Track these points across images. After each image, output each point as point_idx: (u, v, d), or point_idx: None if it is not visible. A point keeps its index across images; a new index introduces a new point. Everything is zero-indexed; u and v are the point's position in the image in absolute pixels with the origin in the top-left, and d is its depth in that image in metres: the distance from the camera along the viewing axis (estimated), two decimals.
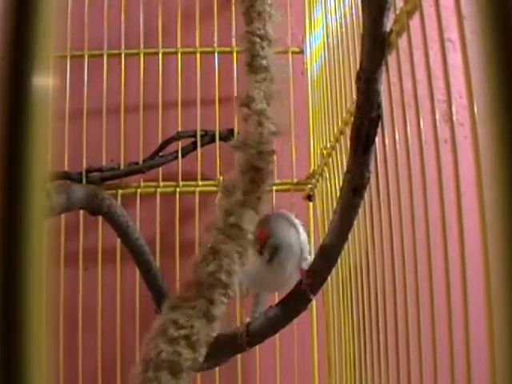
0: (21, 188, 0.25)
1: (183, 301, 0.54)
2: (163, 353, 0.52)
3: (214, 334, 0.54)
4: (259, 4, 0.66)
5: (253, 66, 0.62)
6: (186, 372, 0.52)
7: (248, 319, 0.95)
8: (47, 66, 0.26)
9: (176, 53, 1.35)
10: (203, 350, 0.52)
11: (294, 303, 0.76)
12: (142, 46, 1.35)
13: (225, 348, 0.94)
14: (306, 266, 0.92)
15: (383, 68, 0.65)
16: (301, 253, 0.90)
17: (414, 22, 0.62)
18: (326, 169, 1.09)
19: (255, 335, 0.90)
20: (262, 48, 0.63)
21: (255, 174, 0.59)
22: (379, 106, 0.65)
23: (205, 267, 0.55)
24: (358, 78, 0.66)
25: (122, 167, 1.31)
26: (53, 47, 0.26)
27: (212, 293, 0.54)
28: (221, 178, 1.31)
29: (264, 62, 0.62)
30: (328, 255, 0.73)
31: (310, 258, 0.93)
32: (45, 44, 0.26)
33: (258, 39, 0.63)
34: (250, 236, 0.57)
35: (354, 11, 0.87)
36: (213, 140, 1.34)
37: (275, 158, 0.63)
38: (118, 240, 0.86)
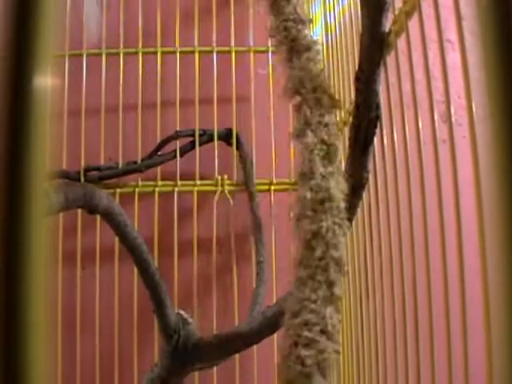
0: (20, 187, 0.25)
1: (304, 300, 0.54)
2: (307, 359, 0.51)
3: (339, 316, 0.53)
4: None
5: (294, 50, 0.62)
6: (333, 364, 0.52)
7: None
8: (47, 65, 0.26)
9: (175, 52, 1.35)
10: (338, 337, 0.52)
11: None
12: (140, 45, 1.35)
13: (226, 347, 0.94)
14: None
15: (382, 68, 0.65)
16: None
17: (413, 23, 0.62)
18: None
19: (253, 335, 0.91)
20: (299, 31, 0.63)
21: (327, 148, 0.58)
22: (378, 106, 0.65)
23: (312, 254, 0.54)
24: (357, 78, 0.66)
25: (120, 166, 1.31)
26: (53, 47, 0.26)
27: (328, 274, 0.53)
28: (219, 178, 1.31)
29: (304, 41, 0.62)
30: None
31: None
32: (45, 43, 0.26)
33: (292, 23, 0.63)
34: (343, 202, 0.56)
35: (352, 11, 0.87)
36: (211, 139, 1.34)
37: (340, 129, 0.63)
38: (116, 239, 0.85)
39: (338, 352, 0.52)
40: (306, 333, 0.52)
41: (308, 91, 0.62)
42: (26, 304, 0.25)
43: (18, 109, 0.25)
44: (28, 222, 0.25)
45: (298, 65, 0.62)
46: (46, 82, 0.26)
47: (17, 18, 0.26)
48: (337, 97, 0.99)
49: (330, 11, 1.07)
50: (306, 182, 0.58)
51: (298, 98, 0.62)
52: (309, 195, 0.57)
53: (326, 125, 0.59)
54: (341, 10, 0.97)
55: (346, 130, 0.89)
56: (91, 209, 0.76)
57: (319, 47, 0.67)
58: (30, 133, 0.25)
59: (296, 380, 0.49)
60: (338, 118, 0.99)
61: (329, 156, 0.58)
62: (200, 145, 1.33)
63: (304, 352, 0.51)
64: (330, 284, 0.54)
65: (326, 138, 0.59)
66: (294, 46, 0.63)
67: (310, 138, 0.59)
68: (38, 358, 0.24)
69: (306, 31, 0.64)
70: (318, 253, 0.55)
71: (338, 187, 0.58)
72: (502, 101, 0.25)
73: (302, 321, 0.53)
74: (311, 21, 0.67)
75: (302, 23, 0.64)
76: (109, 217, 0.79)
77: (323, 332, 0.52)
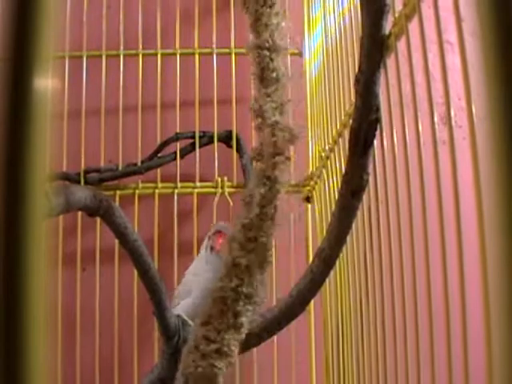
0: (20, 189, 0.25)
1: (211, 317, 0.59)
2: (199, 367, 0.57)
3: (243, 337, 0.60)
4: (266, 17, 0.66)
5: (263, 78, 0.63)
6: (221, 377, 0.58)
7: None
8: (47, 67, 0.26)
9: (175, 54, 1.35)
10: (234, 354, 0.58)
11: (292, 304, 0.76)
12: (140, 46, 1.35)
13: None
14: None
15: (382, 71, 0.65)
16: None
17: (413, 25, 0.62)
18: (324, 171, 1.09)
19: (253, 337, 0.90)
20: (272, 60, 0.64)
21: (271, 184, 0.61)
22: (378, 108, 0.65)
23: (228, 283, 0.59)
24: (357, 80, 0.66)
25: (120, 168, 1.31)
26: (53, 49, 0.26)
27: (236, 305, 0.59)
28: (219, 180, 1.31)
29: (274, 74, 0.63)
30: (326, 258, 0.73)
31: None
32: (45, 45, 0.26)
33: (266, 52, 0.64)
34: (269, 246, 0.61)
35: (352, 13, 0.87)
36: (211, 141, 1.34)
37: (289, 164, 0.65)
38: (117, 241, 0.86)
39: (227, 367, 0.59)
40: (203, 346, 0.58)
41: (268, 123, 0.63)
42: (26, 306, 0.25)
43: (18, 111, 0.25)
44: (27, 224, 0.25)
45: (264, 92, 0.63)
46: (45, 83, 0.26)
47: (17, 20, 0.26)
48: (336, 99, 1.00)
49: (329, 13, 1.07)
50: (244, 213, 0.61)
51: (259, 121, 0.63)
52: (241, 229, 0.60)
53: (275, 163, 0.61)
54: (340, 12, 0.97)
55: (346, 133, 0.89)
56: (91, 211, 0.76)
57: (287, 80, 0.67)
58: (31, 135, 0.25)
59: (191, 376, 0.55)
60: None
61: (270, 193, 0.61)
62: (200, 147, 1.33)
63: (198, 360, 0.57)
64: (237, 313, 0.59)
65: (272, 174, 0.61)
66: (263, 74, 0.64)
67: (260, 168, 0.61)
68: (39, 360, 0.24)
69: (278, 61, 0.65)
70: (233, 285, 0.59)
71: (270, 228, 0.61)
72: (501, 103, 0.25)
73: (204, 334, 0.59)
74: (287, 48, 0.68)
75: (275, 52, 0.64)
76: (109, 219, 0.79)
77: (218, 350, 0.58)
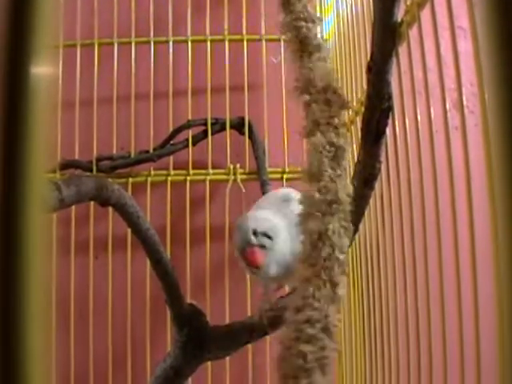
0: (19, 178, 0.25)
1: (307, 297, 0.55)
2: (309, 354, 0.53)
3: (340, 314, 0.55)
4: None
5: (304, 50, 0.62)
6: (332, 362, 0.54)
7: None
8: (46, 55, 0.26)
9: (186, 41, 1.35)
10: (335, 334, 0.54)
11: None
12: (152, 34, 1.35)
13: (238, 337, 0.94)
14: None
15: (394, 59, 0.64)
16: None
17: (425, 12, 0.62)
18: None
19: (266, 325, 0.91)
20: (309, 29, 0.63)
21: (335, 150, 0.59)
22: (390, 97, 0.65)
23: (318, 254, 0.56)
24: (369, 68, 0.65)
25: (132, 156, 1.32)
26: (52, 36, 0.26)
27: (333, 275, 0.55)
28: (231, 167, 1.31)
29: (314, 41, 0.62)
30: None
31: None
32: (44, 33, 0.26)
33: (303, 23, 0.63)
34: (349, 205, 0.58)
35: (365, 1, 0.87)
36: (223, 128, 1.34)
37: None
38: (129, 229, 0.86)
39: (336, 351, 0.54)
40: (308, 329, 0.53)
41: (317, 91, 0.62)
42: (25, 296, 0.25)
43: (16, 99, 0.25)
44: (26, 215, 0.25)
45: (307, 64, 0.62)
46: (45, 71, 0.26)
47: (16, 7, 0.26)
48: (349, 86, 0.99)
49: (342, 1, 1.06)
50: (314, 182, 0.59)
51: (306, 97, 0.62)
52: (317, 196, 0.58)
53: (335, 127, 0.60)
54: (353, 0, 0.96)
55: (358, 120, 0.88)
56: (103, 201, 0.76)
57: (329, 46, 0.67)
58: (29, 123, 0.25)
59: (296, 374, 0.51)
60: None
61: (337, 158, 0.59)
62: (212, 134, 1.33)
63: (305, 348, 0.52)
64: (334, 284, 0.56)
65: (334, 140, 0.59)
66: (303, 46, 0.63)
67: (319, 138, 0.60)
68: (38, 355, 0.24)
69: (317, 30, 0.64)
70: (324, 253, 0.56)
71: (345, 190, 0.59)
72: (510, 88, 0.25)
73: (305, 317, 0.54)
74: (321, 19, 0.67)
75: (312, 22, 0.64)
76: (121, 209, 0.79)
77: (324, 330, 0.54)
